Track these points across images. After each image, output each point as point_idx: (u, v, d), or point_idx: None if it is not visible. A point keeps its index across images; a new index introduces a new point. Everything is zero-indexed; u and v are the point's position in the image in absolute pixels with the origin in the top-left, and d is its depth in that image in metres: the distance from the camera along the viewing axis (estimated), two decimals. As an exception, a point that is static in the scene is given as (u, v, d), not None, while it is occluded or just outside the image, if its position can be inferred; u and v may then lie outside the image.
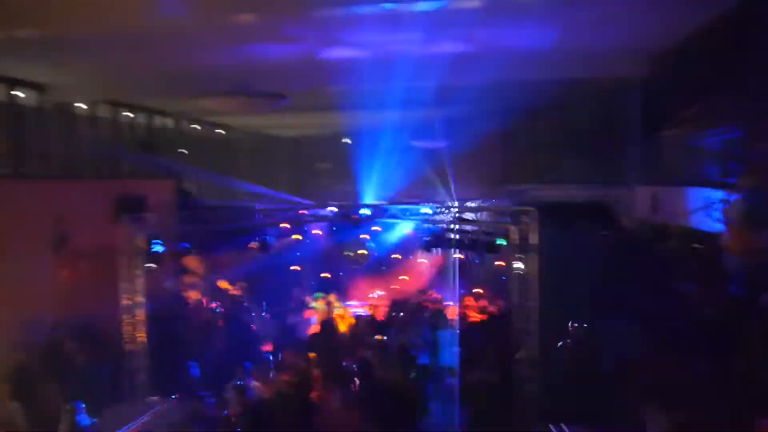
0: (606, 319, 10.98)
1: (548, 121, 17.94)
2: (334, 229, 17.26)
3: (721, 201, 8.95)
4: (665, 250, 12.05)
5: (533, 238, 10.62)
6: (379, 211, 13.26)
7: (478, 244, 11.97)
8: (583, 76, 13.28)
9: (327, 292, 16.04)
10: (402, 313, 13.80)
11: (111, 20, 8.77)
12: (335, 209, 13.87)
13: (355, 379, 10.33)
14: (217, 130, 22.12)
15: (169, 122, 18.85)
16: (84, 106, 14.99)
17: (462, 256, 15.18)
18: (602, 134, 15.09)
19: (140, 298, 11.90)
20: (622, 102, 14.22)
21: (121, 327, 11.64)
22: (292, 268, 16.81)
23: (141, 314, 11.79)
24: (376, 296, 15.71)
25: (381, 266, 16.87)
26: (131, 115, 16.77)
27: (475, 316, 13.94)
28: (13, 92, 12.67)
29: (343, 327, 13.85)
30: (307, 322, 14.45)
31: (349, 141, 22.56)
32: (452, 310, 13.98)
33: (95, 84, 13.75)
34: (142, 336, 11.69)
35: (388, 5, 8.42)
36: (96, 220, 13.17)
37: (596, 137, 15.26)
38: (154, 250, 12.33)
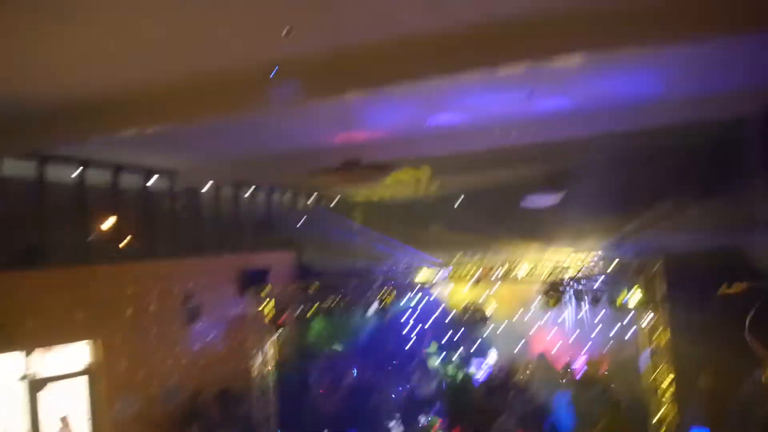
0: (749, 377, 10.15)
1: (669, 167, 17.21)
2: (452, 289, 17.16)
3: None
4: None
5: (660, 292, 10.09)
6: (496, 270, 13.09)
7: (600, 300, 11.51)
8: (700, 119, 12.71)
9: (450, 353, 15.94)
10: (523, 375, 13.38)
11: (229, 109, 9.43)
12: (452, 269, 13.84)
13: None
14: (332, 200, 22.87)
15: (287, 196, 19.69)
16: (209, 188, 15.97)
17: (583, 313, 14.64)
18: (729, 176, 14.24)
19: (270, 366, 12.33)
20: (744, 141, 13.43)
21: (252, 393, 12.10)
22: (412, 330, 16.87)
23: (271, 381, 12.20)
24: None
25: (501, 326, 16.52)
26: (252, 192, 17.66)
27: (597, 378, 13.30)
28: (146, 181, 13.73)
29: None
30: (432, 384, 14.34)
31: (460, 202, 22.63)
32: (575, 372, 13.45)
33: (219, 167, 14.68)
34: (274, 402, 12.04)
35: (491, 68, 8.49)
36: (224, 294, 13.89)
37: (720, 180, 14.42)
38: (279, 318, 12.78)
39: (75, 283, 10.90)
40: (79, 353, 11.04)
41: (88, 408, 10.89)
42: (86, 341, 10.99)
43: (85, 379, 11.01)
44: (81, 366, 10.98)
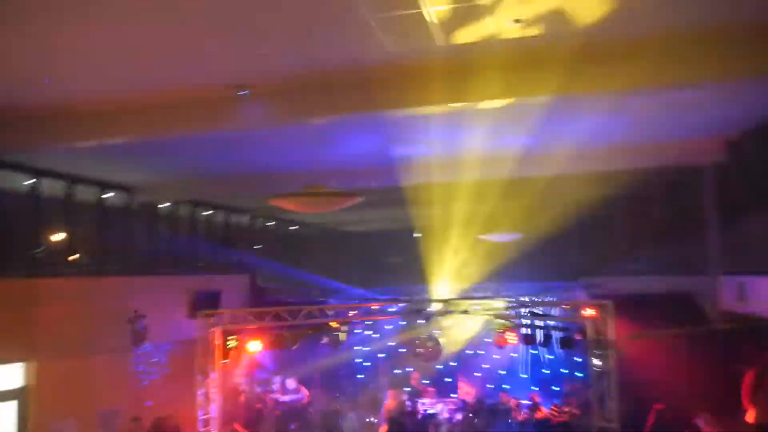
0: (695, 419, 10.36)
1: (623, 210, 17.64)
2: (405, 324, 17.14)
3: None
4: (756, 344, 11.39)
5: (611, 333, 10.27)
6: (450, 306, 13.12)
7: (552, 339, 11.66)
8: (656, 165, 13.12)
9: (399, 388, 15.83)
10: (472, 414, 13.38)
11: (192, 127, 9.36)
12: (406, 304, 13.82)
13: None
14: (290, 227, 22.76)
15: (245, 219, 19.52)
16: (165, 205, 15.74)
17: (535, 352, 14.77)
18: (681, 222, 14.65)
19: (214, 395, 12.03)
20: (699, 189, 13.85)
21: (194, 423, 11.77)
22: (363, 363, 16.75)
23: (215, 410, 11.90)
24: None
25: (453, 362, 16.51)
26: (209, 213, 17.46)
27: (551, 417, 13.35)
28: (102, 194, 13.44)
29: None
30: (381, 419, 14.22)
31: (419, 235, 22.72)
32: (525, 411, 13.51)
33: (177, 185, 14.49)
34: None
35: (456, 105, 8.64)
36: (173, 315, 13.59)
37: (674, 225, 14.83)
38: (228, 345, 12.54)
39: (15, 296, 10.53)
40: (12, 372, 10.60)
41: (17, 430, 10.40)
42: (22, 360, 10.56)
43: (18, 399, 10.54)
44: (13, 385, 10.53)
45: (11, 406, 10.47)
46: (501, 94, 8.15)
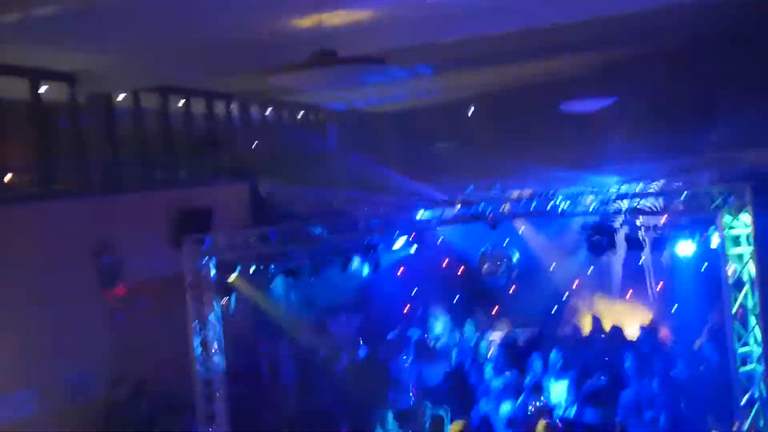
0: None
1: (757, 55, 17.02)
2: (463, 232, 17.15)
3: None
4: None
5: (748, 225, 10.01)
6: (522, 204, 12.88)
7: (664, 241, 11.46)
8: None
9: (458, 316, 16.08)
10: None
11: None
12: (463, 204, 13.64)
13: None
14: (296, 114, 22.62)
15: (234, 109, 19.40)
16: (125, 97, 15.62)
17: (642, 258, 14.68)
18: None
19: (213, 343, 12.26)
20: None
21: (192, 381, 12.08)
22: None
23: (217, 363, 12.18)
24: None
25: (529, 279, 16.59)
26: (186, 103, 17.33)
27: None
28: (37, 88, 13.30)
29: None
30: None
31: (474, 110, 22.46)
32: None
33: (138, 67, 14.28)
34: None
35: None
36: (151, 244, 13.73)
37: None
38: (226, 278, 12.66)
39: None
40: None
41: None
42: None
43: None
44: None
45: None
46: None
